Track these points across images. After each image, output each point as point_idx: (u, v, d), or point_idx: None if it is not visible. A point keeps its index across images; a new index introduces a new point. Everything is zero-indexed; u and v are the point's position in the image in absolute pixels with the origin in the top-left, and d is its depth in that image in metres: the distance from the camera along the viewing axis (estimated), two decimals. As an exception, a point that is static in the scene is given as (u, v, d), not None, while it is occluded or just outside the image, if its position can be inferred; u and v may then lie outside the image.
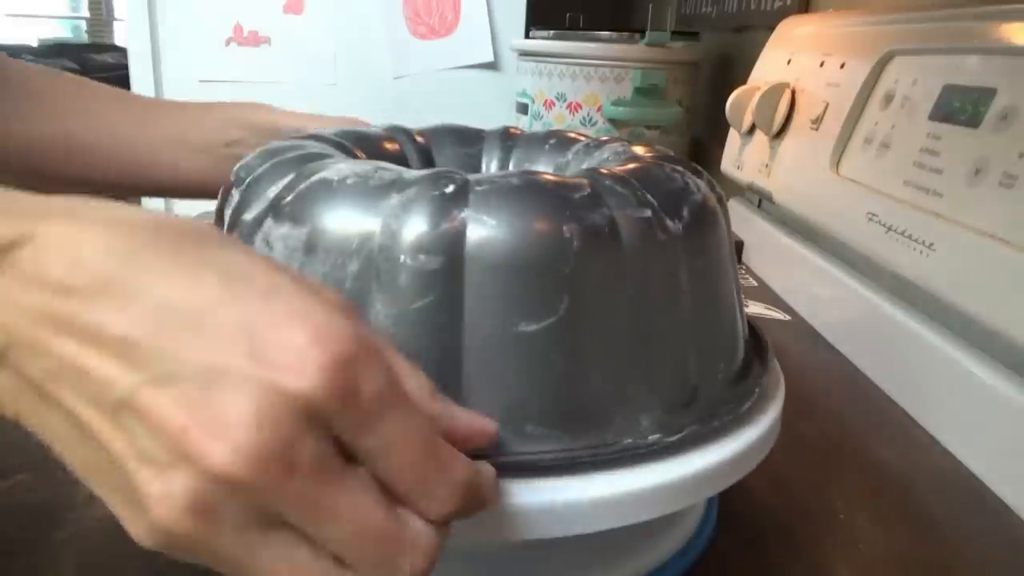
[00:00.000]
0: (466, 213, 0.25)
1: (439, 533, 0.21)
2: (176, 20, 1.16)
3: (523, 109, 1.05)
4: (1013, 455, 0.39)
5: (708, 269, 0.29)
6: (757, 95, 0.72)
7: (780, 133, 0.72)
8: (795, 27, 0.77)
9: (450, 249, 0.25)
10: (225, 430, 0.18)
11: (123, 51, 1.29)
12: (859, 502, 0.38)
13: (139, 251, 0.20)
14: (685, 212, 0.28)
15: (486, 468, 0.23)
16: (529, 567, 0.30)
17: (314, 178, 0.27)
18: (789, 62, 0.73)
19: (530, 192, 0.26)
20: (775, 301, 0.68)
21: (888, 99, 0.55)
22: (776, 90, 0.71)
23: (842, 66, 0.63)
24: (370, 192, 0.26)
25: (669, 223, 0.28)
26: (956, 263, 0.44)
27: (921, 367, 0.47)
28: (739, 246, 0.81)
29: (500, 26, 1.22)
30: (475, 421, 0.24)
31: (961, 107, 0.47)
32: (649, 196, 0.28)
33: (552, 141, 0.39)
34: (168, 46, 1.16)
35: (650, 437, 0.26)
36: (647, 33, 0.95)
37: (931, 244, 0.46)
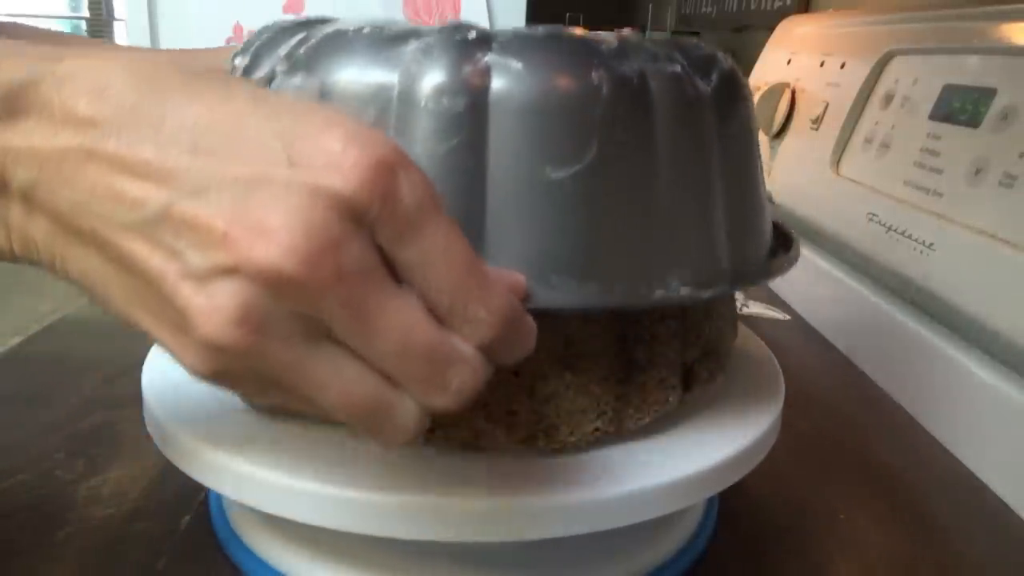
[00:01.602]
0: (490, 58, 0.24)
1: (484, 358, 0.20)
2: (176, 20, 1.16)
3: (523, 109, 1.05)
4: (1013, 455, 0.39)
5: (737, 137, 0.29)
6: (757, 95, 0.72)
7: (780, 133, 0.72)
8: (795, 27, 0.77)
9: (474, 93, 0.24)
10: (269, 232, 0.17)
11: (123, 51, 1.29)
12: (859, 502, 0.38)
13: (164, 79, 0.20)
14: (714, 76, 0.28)
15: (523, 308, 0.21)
16: (529, 567, 0.30)
17: (328, 30, 0.27)
18: (789, 62, 0.73)
19: (556, 41, 0.25)
20: (775, 301, 0.68)
21: (888, 99, 0.55)
22: (776, 90, 0.71)
23: (842, 66, 0.63)
24: (387, 40, 0.25)
25: (699, 82, 0.27)
26: (956, 263, 0.44)
27: (921, 367, 0.47)
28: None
29: (500, 26, 1.22)
30: (506, 274, 0.22)
31: (961, 107, 0.47)
32: (678, 55, 0.27)
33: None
34: (168, 46, 1.16)
35: (681, 290, 0.25)
36: (647, 33, 0.95)
37: (931, 244, 0.46)
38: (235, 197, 0.18)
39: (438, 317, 0.19)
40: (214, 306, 0.18)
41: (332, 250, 0.18)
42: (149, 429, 0.29)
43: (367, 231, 0.19)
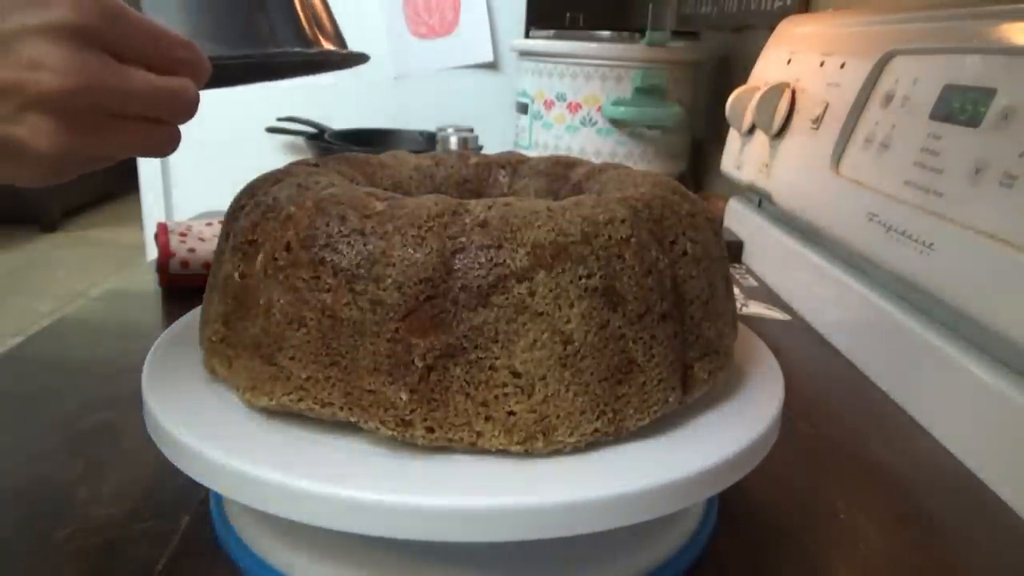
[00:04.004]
0: None
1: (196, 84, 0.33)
2: None
3: (523, 109, 1.05)
4: (1013, 455, 0.39)
5: None
6: (757, 95, 0.72)
7: (780, 133, 0.72)
8: (795, 27, 0.77)
9: None
10: (39, 68, 0.26)
11: (123, 51, 1.29)
12: (859, 502, 0.38)
13: None
14: None
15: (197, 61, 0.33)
16: (529, 567, 0.30)
17: None
18: (789, 62, 0.73)
19: None
20: (775, 301, 0.68)
21: (888, 99, 0.55)
22: (776, 90, 0.71)
23: (842, 66, 0.63)
24: None
25: None
26: (956, 263, 0.44)
27: (921, 367, 0.47)
28: (739, 246, 0.81)
29: (500, 26, 1.22)
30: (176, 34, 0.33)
31: (961, 107, 0.47)
32: None
33: None
34: None
35: None
36: (647, 33, 0.95)
37: (931, 244, 0.46)
38: (6, 58, 0.26)
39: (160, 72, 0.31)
40: (38, 126, 0.27)
41: (85, 58, 0.27)
42: (149, 429, 0.29)
43: (97, 42, 0.27)
